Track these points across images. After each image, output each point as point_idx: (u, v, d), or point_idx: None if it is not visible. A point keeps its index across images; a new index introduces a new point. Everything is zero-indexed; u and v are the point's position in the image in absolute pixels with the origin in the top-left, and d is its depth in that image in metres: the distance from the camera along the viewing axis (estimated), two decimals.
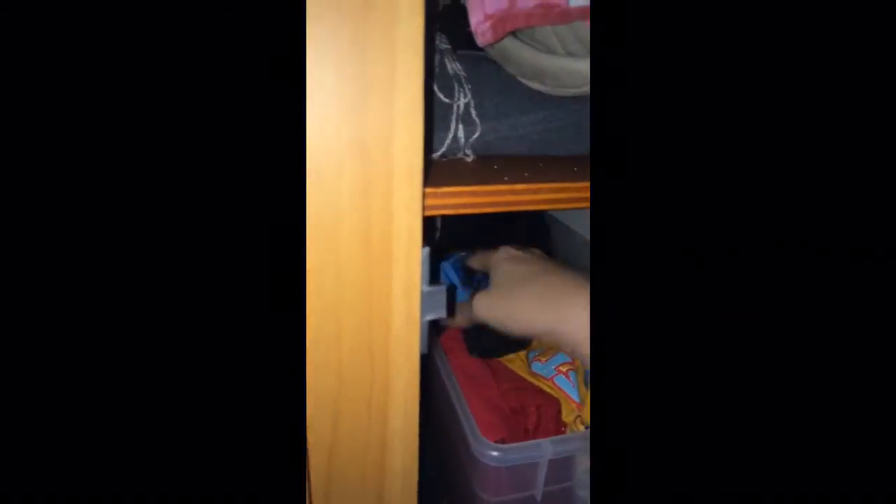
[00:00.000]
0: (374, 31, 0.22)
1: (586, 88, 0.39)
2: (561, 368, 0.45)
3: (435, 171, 0.32)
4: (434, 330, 0.51)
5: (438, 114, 0.39)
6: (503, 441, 0.39)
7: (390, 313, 0.26)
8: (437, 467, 0.50)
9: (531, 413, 0.42)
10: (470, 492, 0.41)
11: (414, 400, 0.28)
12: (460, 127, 0.40)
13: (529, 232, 0.80)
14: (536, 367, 0.46)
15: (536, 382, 0.45)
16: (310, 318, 0.25)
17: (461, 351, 0.48)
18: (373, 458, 0.28)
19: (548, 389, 0.44)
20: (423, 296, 0.26)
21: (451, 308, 0.29)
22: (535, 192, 0.30)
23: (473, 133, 0.41)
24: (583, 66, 0.38)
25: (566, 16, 0.31)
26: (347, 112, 0.23)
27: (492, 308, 0.39)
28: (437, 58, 0.40)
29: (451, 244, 0.58)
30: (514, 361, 0.48)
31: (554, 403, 0.43)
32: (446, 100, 0.40)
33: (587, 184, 0.32)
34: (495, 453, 0.37)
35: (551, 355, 0.47)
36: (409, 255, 0.25)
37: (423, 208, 0.25)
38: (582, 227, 0.79)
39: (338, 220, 0.24)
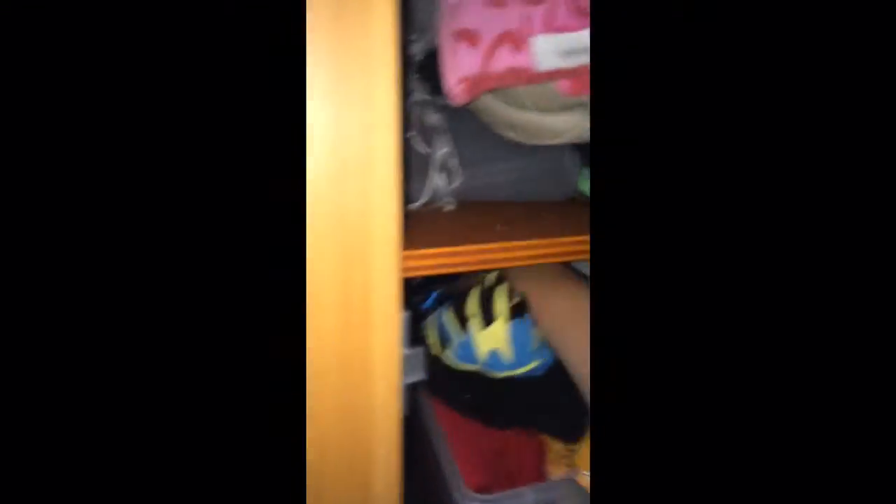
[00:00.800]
0: (353, 109, 0.23)
1: (557, 140, 0.41)
2: None
3: (414, 224, 0.33)
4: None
5: (418, 164, 0.40)
6: (486, 485, 0.39)
7: (371, 378, 0.26)
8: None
9: (510, 456, 0.42)
10: None
11: (396, 464, 0.28)
12: (441, 176, 0.41)
13: None
14: None
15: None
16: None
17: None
18: None
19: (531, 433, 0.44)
20: (403, 359, 0.27)
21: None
22: (509, 249, 0.30)
23: (454, 181, 0.42)
24: (551, 122, 0.39)
25: (535, 78, 0.33)
26: (326, 184, 0.23)
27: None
28: (416, 109, 0.41)
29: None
30: None
31: (531, 443, 0.44)
32: (427, 150, 0.41)
33: (562, 239, 0.33)
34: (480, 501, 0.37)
35: None
36: (389, 319, 0.26)
37: (402, 271, 0.26)
38: None
39: (318, 285, 0.24)
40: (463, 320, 0.46)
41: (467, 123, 0.44)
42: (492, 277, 0.48)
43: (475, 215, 0.38)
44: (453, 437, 0.43)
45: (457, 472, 0.39)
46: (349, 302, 0.25)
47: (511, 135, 0.43)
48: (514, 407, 0.44)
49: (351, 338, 0.25)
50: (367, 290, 0.25)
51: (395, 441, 0.27)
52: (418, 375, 0.27)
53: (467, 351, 0.45)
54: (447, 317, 0.47)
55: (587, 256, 0.34)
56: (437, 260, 0.28)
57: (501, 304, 0.45)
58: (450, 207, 0.41)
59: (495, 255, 0.30)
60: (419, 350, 0.27)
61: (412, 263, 0.27)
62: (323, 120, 0.23)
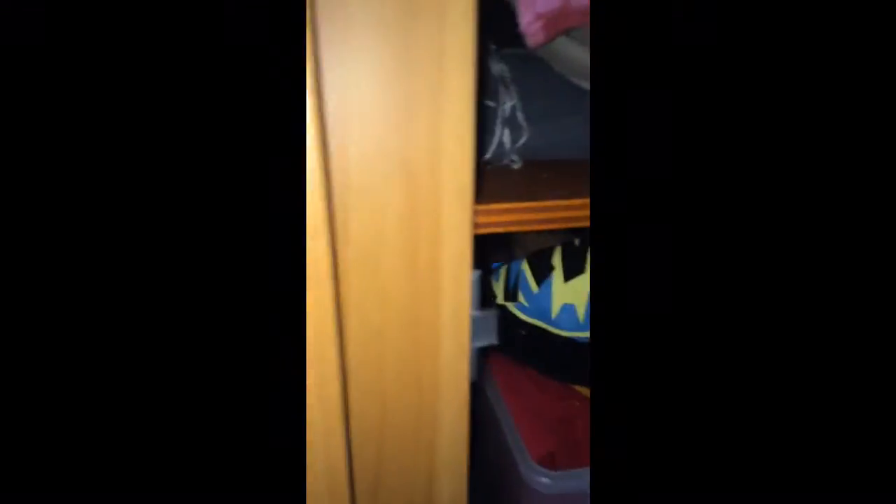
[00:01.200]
0: (421, 41, 0.20)
1: None
2: None
3: (479, 180, 0.31)
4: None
5: (483, 119, 0.37)
6: (553, 457, 0.37)
7: (438, 341, 0.24)
8: (487, 495, 0.48)
9: (577, 421, 0.40)
10: None
11: (464, 430, 0.26)
12: (506, 132, 0.38)
13: None
14: None
15: (584, 390, 0.43)
16: (352, 346, 0.23)
17: (506, 364, 0.46)
18: (420, 488, 0.27)
19: None
20: (473, 321, 0.25)
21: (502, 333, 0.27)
22: (588, 206, 0.27)
23: (520, 138, 0.39)
24: None
25: None
26: (392, 129, 0.21)
27: None
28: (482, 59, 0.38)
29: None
30: None
31: None
32: (491, 103, 0.38)
33: None
34: (545, 479, 0.35)
35: None
36: (459, 279, 0.24)
37: (473, 227, 0.24)
38: None
39: (382, 243, 0.22)
40: (543, 271, 0.44)
41: (537, 74, 0.40)
42: (577, 240, 0.45)
43: (546, 173, 0.35)
44: (513, 400, 0.41)
45: (522, 443, 0.37)
46: (416, 259, 0.23)
47: (584, 83, 0.39)
48: (573, 364, 0.42)
49: (419, 298, 0.24)
50: (437, 246, 0.23)
51: (463, 407, 0.26)
52: (490, 339, 0.25)
53: (539, 304, 0.43)
54: (523, 266, 0.45)
55: None
56: (512, 216, 0.26)
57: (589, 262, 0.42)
58: (516, 166, 0.38)
59: (576, 213, 0.27)
60: (491, 312, 0.25)
61: (484, 219, 0.25)
62: (389, 53, 0.20)
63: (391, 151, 0.21)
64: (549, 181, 0.31)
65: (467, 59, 0.21)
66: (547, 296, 0.42)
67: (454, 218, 0.23)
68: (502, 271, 0.47)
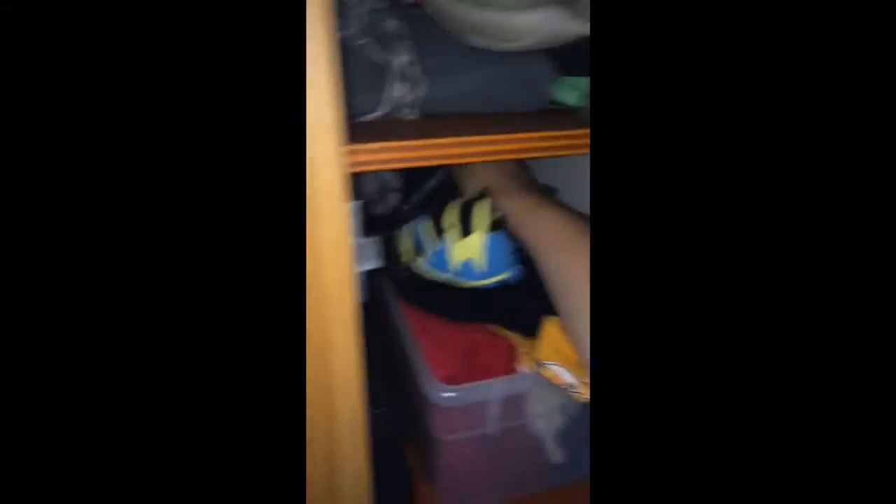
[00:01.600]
0: None
1: (522, 43, 0.40)
2: None
3: (371, 129, 0.33)
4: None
5: (377, 72, 0.40)
6: (455, 378, 0.42)
7: (322, 266, 0.28)
8: (399, 416, 0.53)
9: (483, 353, 0.45)
10: (426, 433, 0.45)
11: (355, 347, 0.30)
12: (400, 85, 0.41)
13: None
14: None
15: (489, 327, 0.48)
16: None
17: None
18: (321, 405, 0.31)
19: (500, 331, 0.47)
20: (356, 248, 0.28)
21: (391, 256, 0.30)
22: (463, 144, 0.31)
23: (417, 91, 0.42)
24: (517, 21, 0.38)
25: None
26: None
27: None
28: (372, 16, 0.40)
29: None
30: None
31: (504, 342, 0.46)
32: (385, 57, 0.40)
33: (518, 135, 0.33)
34: (446, 394, 0.40)
35: None
36: (335, 210, 0.27)
37: (347, 164, 0.27)
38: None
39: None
40: (440, 230, 0.47)
41: (430, 30, 0.43)
42: (474, 193, 0.49)
43: (438, 123, 0.39)
44: (422, 335, 0.46)
45: (426, 365, 0.41)
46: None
47: (475, 40, 0.42)
48: (479, 309, 0.46)
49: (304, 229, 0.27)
50: (313, 182, 0.26)
51: (351, 325, 0.29)
52: (373, 263, 0.29)
53: (441, 259, 0.47)
54: (424, 226, 0.48)
55: (546, 153, 0.34)
56: (386, 154, 0.29)
57: (481, 217, 0.46)
58: (412, 117, 0.41)
59: (446, 151, 0.30)
60: (372, 240, 0.29)
61: (360, 158, 0.28)
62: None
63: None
64: (427, 127, 0.34)
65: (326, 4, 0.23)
66: (445, 253, 0.46)
67: (327, 156, 0.26)
68: (406, 231, 0.50)
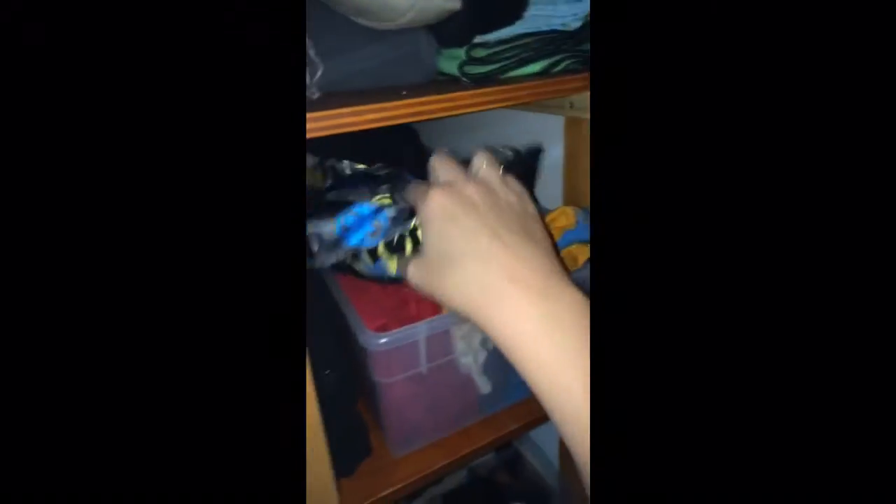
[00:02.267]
0: None
1: (401, 21, 0.45)
2: None
3: None
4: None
5: None
6: (386, 327, 0.47)
7: None
8: (348, 376, 0.57)
9: (411, 305, 0.51)
10: (370, 380, 0.50)
11: None
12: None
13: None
14: None
15: None
16: None
17: None
18: None
19: None
20: None
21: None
22: (358, 113, 0.35)
23: (316, 72, 0.46)
24: (396, 1, 0.43)
25: None
26: None
27: (425, 282, 0.32)
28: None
29: None
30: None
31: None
32: None
33: (409, 101, 0.38)
34: (379, 340, 0.45)
35: None
36: None
37: None
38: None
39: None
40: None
41: (322, 13, 0.46)
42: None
43: (338, 99, 0.43)
44: (354, 295, 0.50)
45: (360, 320, 0.46)
46: None
47: (361, 20, 0.46)
48: None
49: None
50: None
51: None
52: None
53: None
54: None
55: (434, 115, 0.40)
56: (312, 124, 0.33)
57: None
58: (314, 97, 0.45)
59: (344, 120, 0.35)
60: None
61: None
62: None
63: None
64: (329, 102, 0.38)
65: None
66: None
67: None
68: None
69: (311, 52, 0.45)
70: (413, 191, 0.35)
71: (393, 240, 0.41)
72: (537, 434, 1.00)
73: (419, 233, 0.34)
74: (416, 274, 0.33)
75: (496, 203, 0.32)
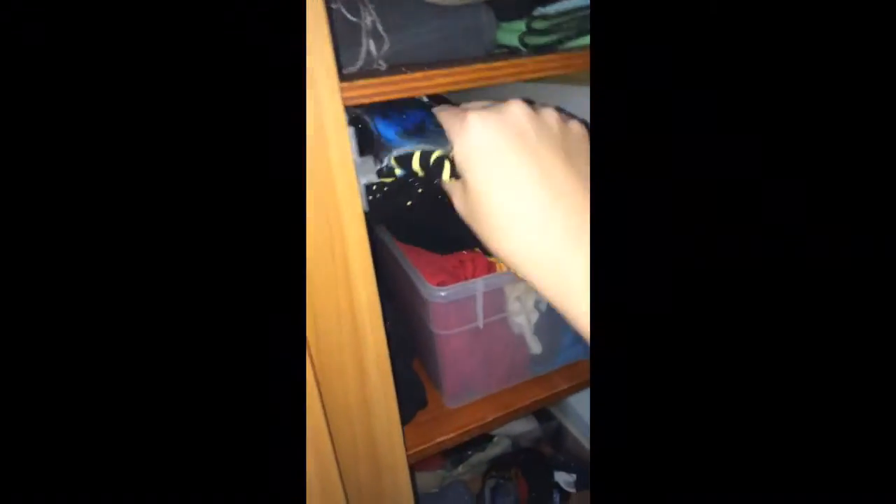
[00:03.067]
0: None
1: None
2: None
3: (354, 76, 0.41)
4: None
5: (350, 32, 0.47)
6: (444, 283, 0.50)
7: (333, 180, 0.35)
8: (408, 334, 0.62)
9: (468, 265, 0.54)
10: (427, 331, 0.53)
11: (364, 243, 0.38)
12: (371, 42, 0.48)
13: None
14: None
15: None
16: None
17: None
18: (343, 295, 0.39)
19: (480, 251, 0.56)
20: (355, 164, 0.36)
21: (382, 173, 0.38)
22: (429, 78, 0.39)
23: (383, 46, 0.49)
24: None
25: None
26: None
27: (469, 214, 0.31)
28: None
29: None
30: None
31: (484, 259, 0.55)
32: (354, 19, 0.48)
33: (477, 66, 0.41)
34: (441, 293, 0.49)
35: None
36: (339, 134, 0.35)
37: (343, 100, 0.35)
38: None
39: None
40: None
41: None
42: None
43: (406, 69, 0.46)
44: (414, 257, 0.54)
45: (420, 276, 0.50)
46: (310, 129, 0.34)
47: None
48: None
49: (315, 151, 0.34)
50: (320, 113, 0.34)
51: (361, 225, 0.37)
52: (371, 177, 0.37)
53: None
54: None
55: (497, 80, 0.43)
56: (372, 90, 0.37)
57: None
58: (382, 68, 0.49)
59: (418, 84, 0.38)
60: (368, 157, 0.37)
61: (352, 94, 0.36)
62: None
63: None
64: (399, 70, 0.42)
65: None
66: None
67: (327, 92, 0.34)
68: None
69: (378, 26, 0.49)
70: (447, 116, 0.32)
71: (430, 157, 0.35)
72: (580, 404, 1.02)
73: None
74: (461, 206, 0.32)
75: (542, 129, 0.30)
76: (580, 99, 0.75)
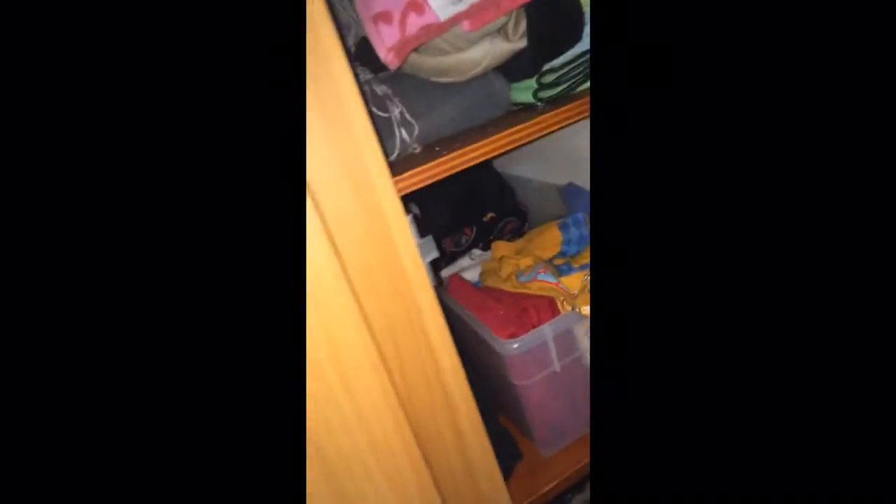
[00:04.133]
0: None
1: (477, 70, 0.52)
2: (540, 271, 0.59)
3: (398, 165, 0.45)
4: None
5: (384, 127, 0.52)
6: (515, 334, 0.52)
7: (400, 260, 0.39)
8: (487, 391, 0.63)
9: (531, 312, 0.56)
10: (507, 384, 0.55)
11: (438, 314, 0.41)
12: (402, 131, 0.53)
13: (499, 197, 0.96)
14: (521, 278, 0.60)
15: (526, 290, 0.59)
16: (356, 285, 0.38)
17: (462, 289, 0.62)
18: (428, 361, 0.42)
19: (537, 290, 0.58)
20: (418, 246, 0.40)
21: (441, 251, 0.42)
22: (465, 154, 0.43)
23: (413, 132, 0.54)
24: (468, 56, 0.51)
25: (442, 28, 0.44)
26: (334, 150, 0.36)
27: None
28: (366, 86, 0.53)
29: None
30: (504, 283, 0.62)
31: (545, 299, 0.57)
32: (384, 114, 0.53)
33: (501, 134, 0.45)
34: (514, 345, 0.50)
35: (529, 269, 0.61)
36: (400, 223, 0.39)
37: (397, 191, 0.39)
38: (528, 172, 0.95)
39: (348, 221, 0.37)
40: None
41: (408, 83, 0.55)
42: None
43: (438, 147, 0.51)
44: (476, 310, 0.56)
45: (490, 332, 0.52)
46: (374, 221, 0.38)
47: (444, 79, 0.54)
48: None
49: (380, 243, 0.38)
50: (380, 207, 0.38)
51: (432, 297, 0.40)
52: (433, 254, 0.40)
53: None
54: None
55: (527, 140, 0.46)
56: (418, 177, 0.41)
57: None
58: (417, 151, 0.53)
59: (454, 162, 0.42)
60: (429, 237, 0.40)
61: (402, 185, 0.40)
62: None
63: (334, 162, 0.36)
64: (437, 151, 0.46)
65: (354, 94, 0.36)
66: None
67: (385, 189, 0.38)
68: None
69: (406, 115, 0.54)
70: None
71: None
72: None
73: None
74: None
75: None
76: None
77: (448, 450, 0.45)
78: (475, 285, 0.68)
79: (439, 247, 0.85)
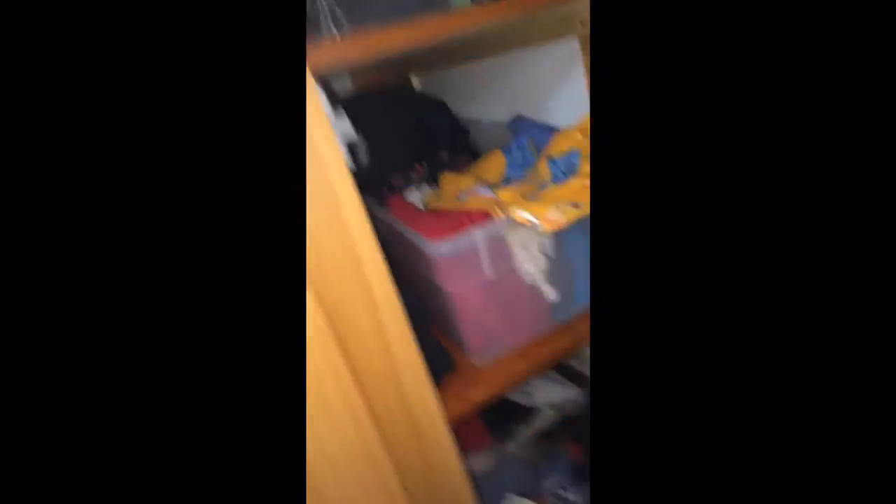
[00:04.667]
0: None
1: None
2: (479, 189, 0.58)
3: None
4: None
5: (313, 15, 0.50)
6: (445, 235, 0.52)
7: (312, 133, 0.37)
8: (419, 300, 0.62)
9: (464, 219, 0.55)
10: (439, 292, 0.54)
11: (360, 211, 0.40)
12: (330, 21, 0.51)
13: (452, 137, 0.95)
14: (462, 197, 0.59)
15: (463, 205, 0.58)
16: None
17: (402, 208, 0.61)
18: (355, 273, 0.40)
19: (474, 205, 0.57)
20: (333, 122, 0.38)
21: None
22: (385, 35, 0.41)
23: (342, 27, 0.52)
24: None
25: None
26: None
27: None
28: None
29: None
30: (446, 204, 0.61)
31: (481, 211, 0.56)
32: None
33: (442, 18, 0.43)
34: (442, 247, 0.50)
35: (469, 189, 0.60)
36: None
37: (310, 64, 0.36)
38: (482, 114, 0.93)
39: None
40: None
41: None
42: None
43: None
44: (409, 221, 0.55)
45: (418, 234, 0.51)
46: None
47: None
48: None
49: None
50: None
51: (352, 189, 0.39)
52: (351, 137, 0.38)
53: None
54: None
55: (452, 32, 0.44)
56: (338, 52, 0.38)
57: None
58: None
59: (378, 41, 0.40)
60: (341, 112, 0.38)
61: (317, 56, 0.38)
62: None
63: None
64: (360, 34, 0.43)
65: None
66: None
67: None
68: None
69: (337, 9, 0.52)
70: None
71: None
72: None
73: None
74: None
75: None
76: (544, 58, 0.76)
77: (373, 357, 0.44)
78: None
79: (389, 183, 0.83)
